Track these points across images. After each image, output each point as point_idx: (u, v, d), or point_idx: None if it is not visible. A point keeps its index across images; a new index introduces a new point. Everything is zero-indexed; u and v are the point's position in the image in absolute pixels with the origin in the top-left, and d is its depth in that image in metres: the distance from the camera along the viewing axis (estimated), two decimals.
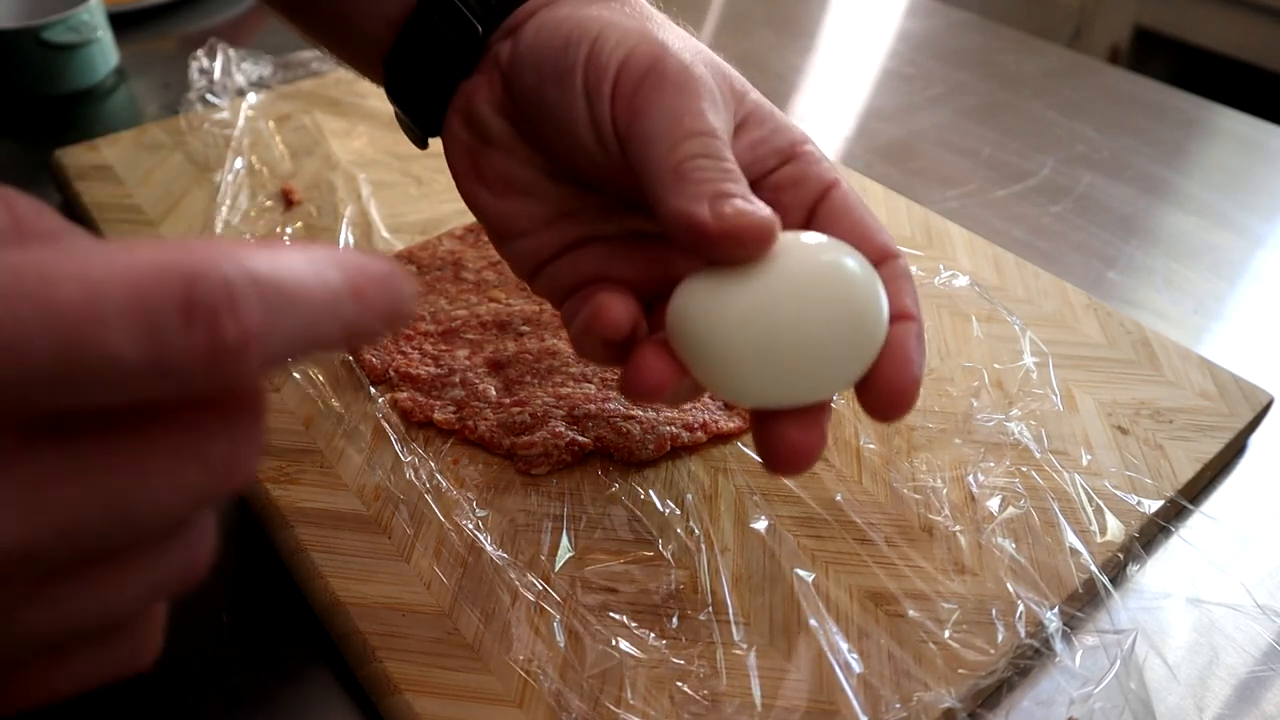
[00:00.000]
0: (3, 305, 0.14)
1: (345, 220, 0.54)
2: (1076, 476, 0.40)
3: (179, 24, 0.81)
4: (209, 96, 0.64)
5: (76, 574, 0.17)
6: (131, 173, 0.58)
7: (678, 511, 0.39)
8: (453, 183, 0.37)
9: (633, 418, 0.41)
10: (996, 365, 0.46)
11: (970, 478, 0.40)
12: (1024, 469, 0.41)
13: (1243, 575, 0.39)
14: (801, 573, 0.36)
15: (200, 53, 0.66)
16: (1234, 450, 0.44)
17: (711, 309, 0.28)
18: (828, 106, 0.73)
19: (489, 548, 0.37)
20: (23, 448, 0.16)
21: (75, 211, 0.56)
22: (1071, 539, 0.38)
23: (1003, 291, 0.51)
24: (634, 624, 0.35)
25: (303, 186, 0.57)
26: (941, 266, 0.51)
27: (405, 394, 0.43)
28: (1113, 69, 0.82)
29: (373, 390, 0.43)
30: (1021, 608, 0.35)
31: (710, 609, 0.35)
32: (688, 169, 0.29)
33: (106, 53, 0.71)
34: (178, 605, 0.20)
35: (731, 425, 0.42)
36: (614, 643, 0.34)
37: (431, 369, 0.44)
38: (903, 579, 0.36)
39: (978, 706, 0.34)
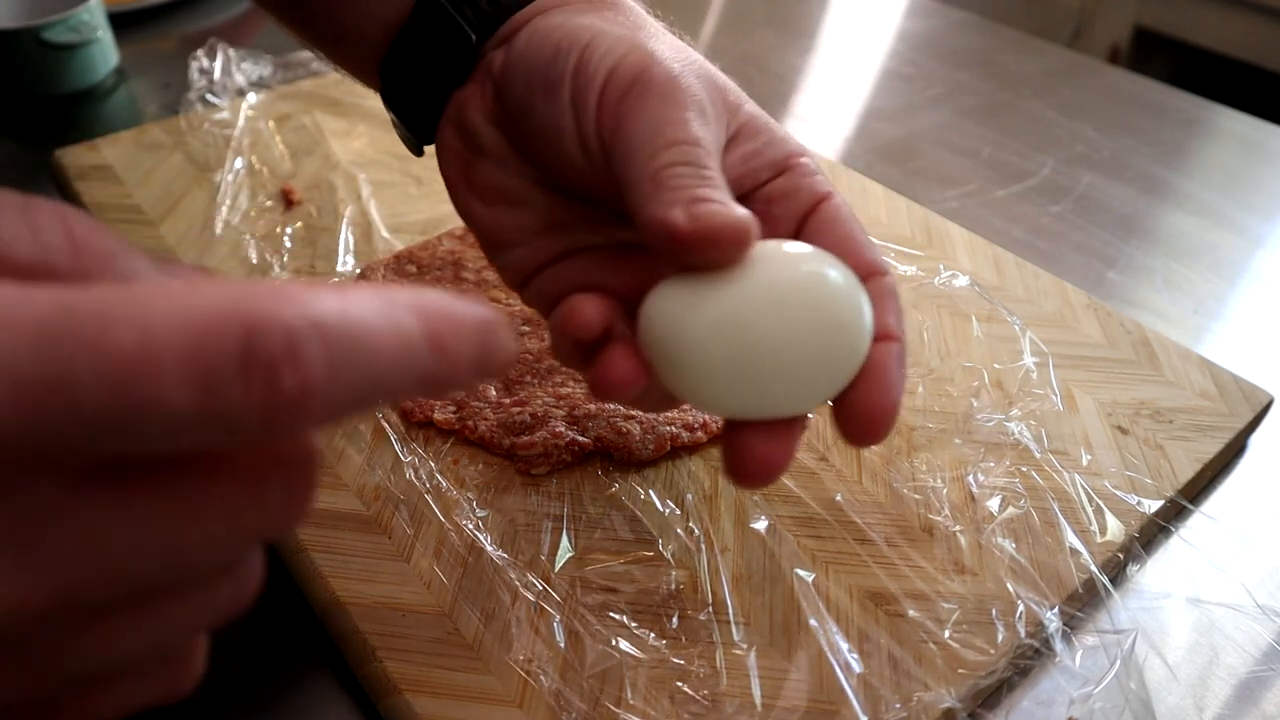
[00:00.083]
0: (58, 350, 0.14)
1: (345, 220, 0.54)
2: (1076, 476, 0.40)
3: (179, 24, 0.81)
4: (209, 96, 0.64)
5: (128, 611, 0.17)
6: (131, 173, 0.58)
7: (678, 511, 0.39)
8: None
9: (633, 418, 0.41)
10: (996, 365, 0.46)
11: (970, 478, 0.40)
12: (1024, 469, 0.41)
13: (1243, 575, 0.39)
14: (801, 573, 0.36)
15: (200, 53, 0.66)
16: (1234, 450, 0.44)
17: (681, 314, 0.27)
18: (828, 106, 0.73)
19: (489, 548, 0.37)
20: (78, 492, 0.15)
21: None
22: (1071, 539, 0.38)
23: (1003, 291, 0.51)
24: (634, 624, 0.35)
25: (303, 186, 0.57)
26: (941, 266, 0.51)
27: None
28: (1113, 69, 0.82)
29: None
30: (1021, 608, 0.35)
31: (710, 609, 0.35)
32: (665, 176, 0.28)
33: (106, 53, 0.71)
34: None
35: None
36: (614, 643, 0.34)
37: None
38: (903, 579, 0.36)
39: (978, 706, 0.34)
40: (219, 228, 0.53)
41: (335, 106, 0.64)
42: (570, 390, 0.43)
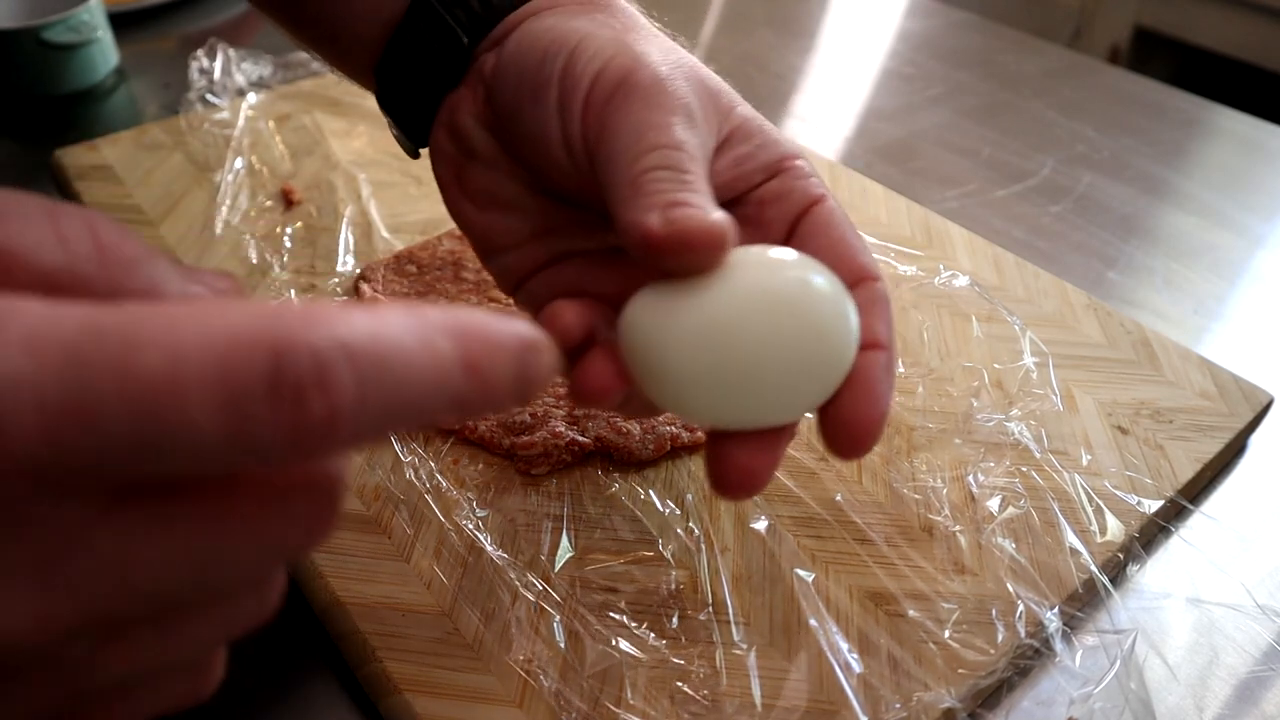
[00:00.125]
0: (84, 372, 0.14)
1: (345, 220, 0.54)
2: (1076, 476, 0.40)
3: (179, 24, 0.81)
4: (209, 96, 0.64)
5: (153, 627, 0.18)
6: (131, 173, 0.58)
7: (678, 511, 0.39)
8: None
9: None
10: (996, 365, 0.46)
11: (970, 478, 0.40)
12: (1024, 469, 0.41)
13: (1243, 575, 0.39)
14: (801, 573, 0.36)
15: (200, 53, 0.66)
16: (1234, 450, 0.44)
17: (660, 322, 0.26)
18: (828, 106, 0.73)
19: (489, 548, 0.37)
20: (105, 514, 0.15)
21: None
22: (1071, 539, 0.38)
23: (1003, 291, 0.51)
24: (634, 624, 0.35)
25: (303, 186, 0.57)
26: (941, 266, 0.51)
27: None
28: (1113, 69, 0.82)
29: None
30: (1021, 608, 0.35)
31: (710, 609, 0.35)
32: (644, 181, 0.28)
33: (106, 53, 0.71)
34: None
35: None
36: (614, 643, 0.34)
37: None
38: (903, 579, 0.36)
39: (978, 706, 0.34)
40: (219, 228, 0.53)
41: (335, 106, 0.64)
42: None
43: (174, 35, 0.79)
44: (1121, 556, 0.38)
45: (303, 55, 0.68)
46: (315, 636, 0.36)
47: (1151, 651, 0.36)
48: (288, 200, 0.56)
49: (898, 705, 0.32)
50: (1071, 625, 0.36)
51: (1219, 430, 0.43)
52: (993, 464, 0.41)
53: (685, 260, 0.26)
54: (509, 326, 0.18)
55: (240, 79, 0.65)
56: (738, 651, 0.34)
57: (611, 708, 0.32)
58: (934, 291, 0.50)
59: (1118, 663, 0.34)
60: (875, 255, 0.51)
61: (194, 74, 0.65)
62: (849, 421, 0.28)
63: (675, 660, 0.33)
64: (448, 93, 0.35)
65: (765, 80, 0.76)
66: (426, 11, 0.35)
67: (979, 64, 0.79)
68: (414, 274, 0.49)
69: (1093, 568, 0.37)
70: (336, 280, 0.50)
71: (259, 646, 0.36)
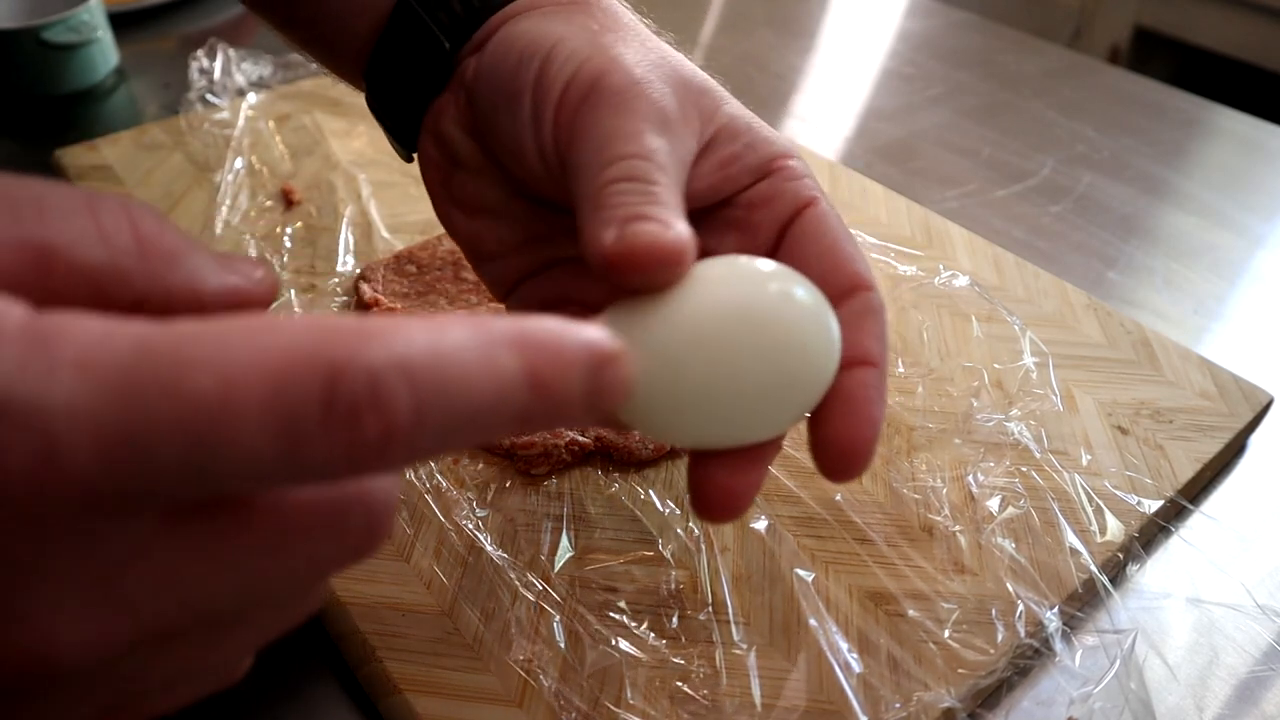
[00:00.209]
0: (137, 395, 0.14)
1: (345, 220, 0.54)
2: (1076, 476, 0.40)
3: (179, 24, 0.81)
4: (209, 96, 0.64)
5: (200, 636, 0.18)
6: (131, 173, 0.58)
7: (678, 511, 0.39)
8: None
9: None
10: (996, 365, 0.46)
11: (970, 478, 0.40)
12: (1024, 469, 0.41)
13: (1243, 575, 0.39)
14: (801, 573, 0.36)
15: (200, 53, 0.66)
16: (1234, 450, 0.44)
17: (629, 338, 0.24)
18: (828, 106, 0.73)
19: (489, 548, 0.37)
20: (160, 533, 0.16)
21: None
22: (1071, 539, 0.38)
23: (1003, 291, 0.51)
24: (634, 624, 0.35)
25: (303, 186, 0.57)
26: (941, 266, 0.51)
27: None
28: (1113, 69, 0.82)
29: None
30: (1021, 608, 0.35)
31: (710, 609, 0.35)
32: (606, 194, 0.26)
33: (106, 53, 0.71)
34: None
35: None
36: (614, 643, 0.34)
37: None
38: (903, 579, 0.36)
39: (978, 706, 0.34)
40: (219, 228, 0.53)
41: (335, 106, 0.64)
42: None
43: (174, 35, 0.79)
44: (1121, 556, 0.38)
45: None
46: (315, 636, 0.36)
47: (1151, 651, 0.36)
48: (288, 200, 0.56)
49: (898, 705, 0.32)
50: (1071, 625, 0.36)
51: (1219, 430, 0.43)
52: (993, 464, 0.41)
53: (640, 279, 0.25)
54: (579, 336, 0.17)
55: (240, 79, 0.66)
56: (738, 651, 0.34)
57: (611, 708, 0.32)
58: (934, 291, 0.50)
59: (1118, 663, 0.34)
60: (875, 255, 0.52)
61: (194, 74, 0.65)
62: (838, 443, 0.26)
63: (675, 660, 0.33)
64: (433, 98, 0.34)
65: (765, 80, 0.76)
66: (409, 15, 0.34)
67: (979, 64, 0.79)
68: (414, 274, 0.49)
69: (1093, 568, 0.37)
70: (336, 280, 0.50)
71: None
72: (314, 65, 0.40)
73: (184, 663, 0.18)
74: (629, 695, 0.32)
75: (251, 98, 0.64)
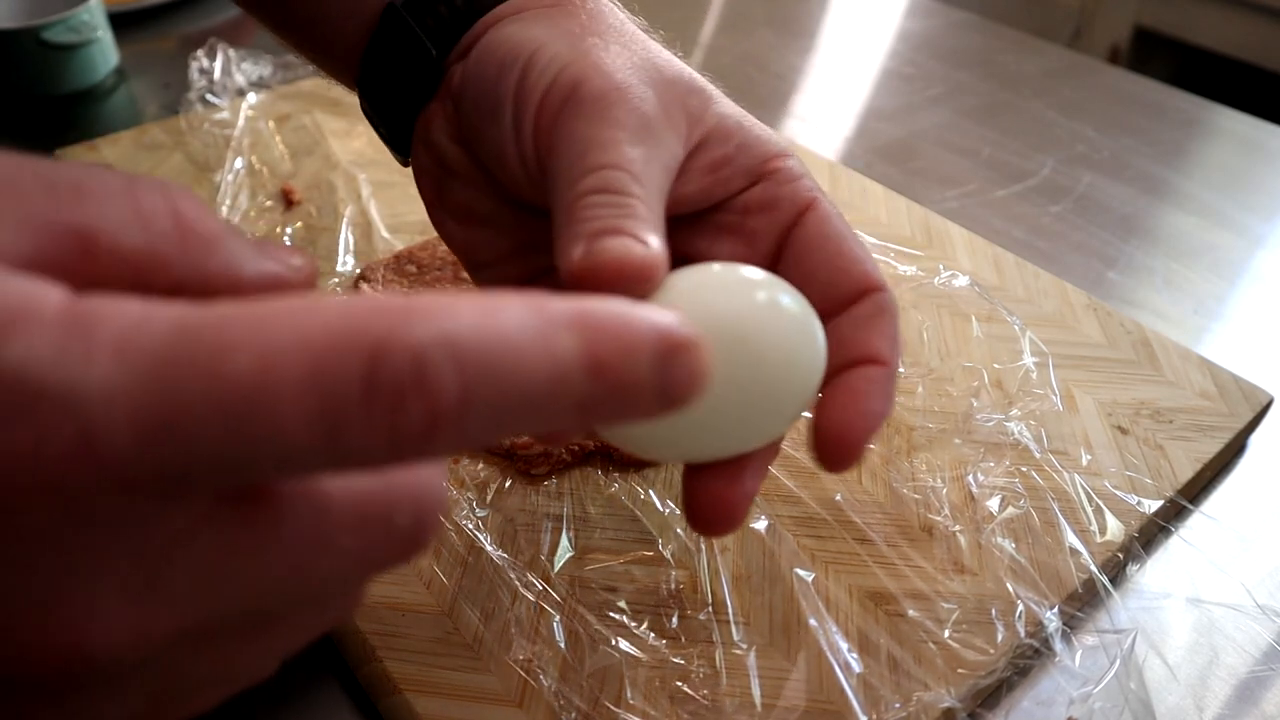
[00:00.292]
0: (175, 378, 0.13)
1: (345, 220, 0.54)
2: (1076, 476, 0.40)
3: (179, 24, 0.81)
4: (209, 96, 0.64)
5: (242, 635, 0.17)
6: (132, 173, 0.58)
7: (677, 511, 0.39)
8: None
9: None
10: (996, 365, 0.46)
11: (970, 478, 0.40)
12: (1024, 469, 0.41)
13: (1243, 575, 0.39)
14: (801, 572, 0.36)
15: (200, 53, 0.66)
16: (1234, 450, 0.44)
17: None
18: (828, 106, 0.73)
19: (489, 548, 0.37)
20: (201, 523, 0.15)
21: None
22: (1071, 539, 0.38)
23: (1003, 291, 0.51)
24: (634, 624, 0.35)
25: (303, 186, 0.57)
26: (941, 266, 0.51)
27: None
28: (1113, 69, 0.82)
29: None
30: (1021, 607, 0.35)
31: (710, 609, 0.35)
32: (579, 208, 0.26)
33: (106, 53, 0.71)
34: None
35: None
36: (614, 643, 0.34)
37: None
38: (903, 579, 0.36)
39: (977, 706, 0.34)
40: None
41: (335, 106, 0.64)
42: None
43: (174, 35, 0.79)
44: (1121, 556, 0.38)
45: None
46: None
47: (1151, 651, 0.36)
48: (288, 200, 0.56)
49: (897, 705, 0.32)
50: (1071, 625, 0.36)
51: (1219, 430, 0.43)
52: (993, 464, 0.41)
53: (608, 294, 0.24)
54: (648, 319, 0.16)
55: (240, 79, 0.66)
56: (738, 651, 0.34)
57: (611, 707, 0.32)
58: (934, 291, 0.50)
59: (1117, 663, 0.34)
60: (875, 255, 0.51)
61: (194, 74, 0.65)
62: (829, 432, 0.26)
63: (675, 660, 0.33)
64: (423, 106, 0.34)
65: (765, 80, 0.76)
66: (396, 21, 0.33)
67: (979, 64, 0.79)
68: (414, 274, 0.49)
69: (1092, 568, 0.37)
70: (336, 280, 0.50)
71: None
72: (312, 66, 0.40)
73: (220, 662, 0.18)
74: (629, 695, 0.32)
75: (251, 98, 0.64)
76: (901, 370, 0.45)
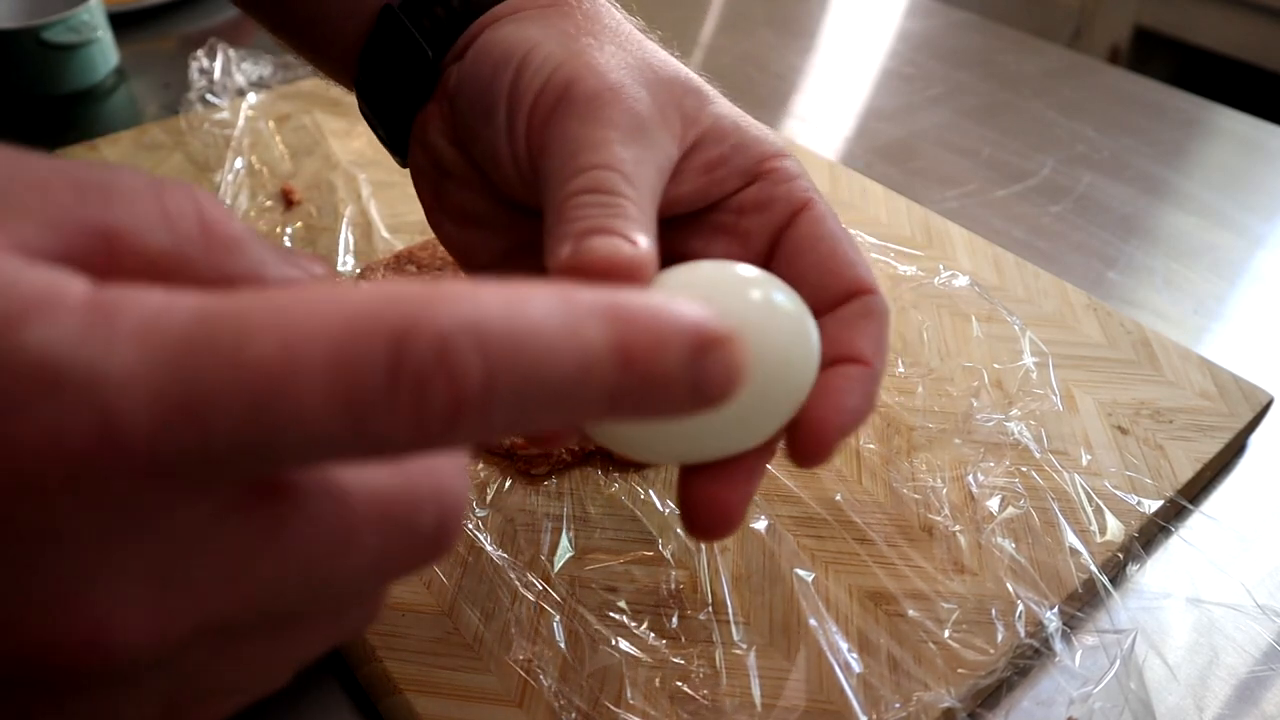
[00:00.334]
0: (196, 363, 0.13)
1: (345, 220, 0.54)
2: (1076, 476, 0.40)
3: (179, 24, 0.81)
4: (209, 96, 0.64)
5: (262, 637, 0.17)
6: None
7: (678, 511, 0.38)
8: None
9: None
10: (996, 365, 0.46)
11: (970, 478, 0.40)
12: (1024, 469, 0.41)
13: (1243, 575, 0.39)
14: (801, 572, 0.36)
15: (200, 53, 0.66)
16: (1234, 450, 0.44)
17: None
18: (828, 106, 0.73)
19: (489, 548, 0.37)
20: (223, 516, 0.15)
21: None
22: (1071, 539, 0.38)
23: (1003, 291, 0.51)
24: (634, 624, 0.35)
25: (303, 186, 0.57)
26: (941, 266, 0.51)
27: None
28: (1113, 69, 0.82)
29: None
30: (1021, 607, 0.35)
31: (710, 609, 0.35)
32: (568, 208, 0.25)
33: (106, 53, 0.71)
34: None
35: None
36: (614, 643, 0.34)
37: None
38: (903, 579, 0.36)
39: (977, 706, 0.34)
40: None
41: (335, 106, 0.64)
42: None
43: (174, 35, 0.79)
44: (1121, 556, 0.38)
45: None
46: None
47: (1151, 651, 0.36)
48: (288, 200, 0.56)
49: (897, 705, 0.32)
50: (1071, 625, 0.36)
51: (1219, 430, 0.43)
52: (993, 464, 0.41)
53: None
54: (680, 312, 0.15)
55: (240, 79, 0.66)
56: (738, 651, 0.34)
57: (611, 707, 0.32)
58: (934, 291, 0.50)
59: (1117, 663, 0.34)
60: (875, 255, 0.52)
61: (194, 74, 0.65)
62: (802, 429, 0.26)
63: (675, 660, 0.33)
64: (420, 107, 0.33)
65: (765, 80, 0.76)
66: (393, 21, 0.33)
67: (979, 64, 0.79)
68: (414, 274, 0.49)
69: (1092, 568, 0.37)
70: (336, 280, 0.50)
71: None
72: (311, 67, 0.40)
73: (236, 668, 0.17)
74: (629, 695, 0.32)
75: (251, 98, 0.64)
76: (901, 370, 0.45)
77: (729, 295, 0.25)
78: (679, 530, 0.38)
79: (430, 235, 0.52)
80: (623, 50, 0.30)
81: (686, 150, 0.29)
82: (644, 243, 0.24)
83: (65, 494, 0.13)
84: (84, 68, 0.69)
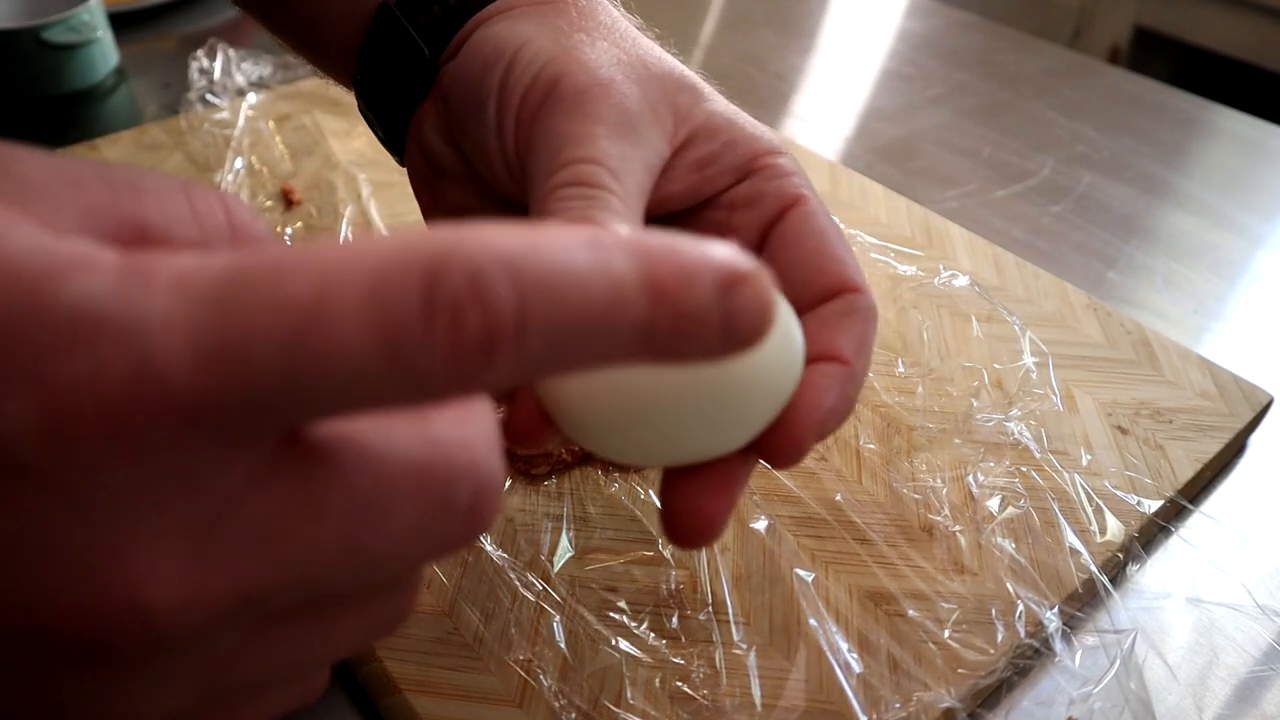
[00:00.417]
0: (233, 305, 0.13)
1: (345, 220, 0.54)
2: (1076, 476, 0.40)
3: (179, 24, 0.81)
4: (209, 96, 0.64)
5: (297, 620, 0.17)
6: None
7: None
8: None
9: None
10: (996, 365, 0.46)
11: (970, 478, 0.40)
12: (1024, 469, 0.41)
13: (1243, 575, 0.39)
14: (801, 572, 0.36)
15: (200, 53, 0.66)
16: (1234, 450, 0.44)
17: None
18: (828, 106, 0.73)
19: (489, 548, 0.37)
20: (259, 475, 0.15)
21: None
22: (1071, 539, 0.38)
23: (1003, 291, 0.51)
24: (634, 624, 0.35)
25: (303, 186, 0.57)
26: (941, 266, 0.51)
27: None
28: (1113, 69, 0.82)
29: None
30: (1021, 607, 0.35)
31: (710, 609, 0.35)
32: (551, 200, 0.25)
33: (106, 53, 0.71)
34: None
35: None
36: (614, 643, 0.34)
37: None
38: (903, 579, 0.36)
39: (977, 706, 0.34)
40: None
41: (335, 106, 0.64)
42: None
43: (174, 35, 0.79)
44: (1121, 556, 0.38)
45: None
46: None
47: (1151, 651, 0.36)
48: (288, 200, 0.56)
49: (897, 705, 0.32)
50: (1071, 625, 0.36)
51: (1219, 430, 0.43)
52: (993, 464, 0.41)
53: None
54: (703, 248, 0.15)
55: (240, 79, 0.66)
56: (738, 651, 0.34)
57: (611, 707, 0.32)
58: (934, 291, 0.50)
59: (1117, 663, 0.34)
60: (875, 255, 0.52)
61: (194, 74, 0.65)
62: (777, 429, 0.25)
63: (675, 660, 0.33)
64: (417, 106, 0.33)
65: (765, 80, 0.76)
66: (390, 21, 0.33)
67: (979, 64, 0.79)
68: None
69: (1093, 568, 0.37)
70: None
71: None
72: (311, 66, 0.40)
73: (273, 654, 0.17)
74: (629, 695, 0.32)
75: (251, 98, 0.64)
76: (901, 370, 0.45)
77: None
78: None
79: None
80: (616, 46, 0.30)
81: (678, 147, 0.29)
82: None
83: (106, 443, 0.13)
84: (84, 68, 0.69)
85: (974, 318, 0.48)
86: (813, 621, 0.35)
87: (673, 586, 0.36)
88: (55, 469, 0.13)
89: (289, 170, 0.58)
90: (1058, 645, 0.35)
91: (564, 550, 0.37)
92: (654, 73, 0.29)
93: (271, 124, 0.62)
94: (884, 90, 0.76)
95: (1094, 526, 0.39)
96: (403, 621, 0.19)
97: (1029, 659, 0.35)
